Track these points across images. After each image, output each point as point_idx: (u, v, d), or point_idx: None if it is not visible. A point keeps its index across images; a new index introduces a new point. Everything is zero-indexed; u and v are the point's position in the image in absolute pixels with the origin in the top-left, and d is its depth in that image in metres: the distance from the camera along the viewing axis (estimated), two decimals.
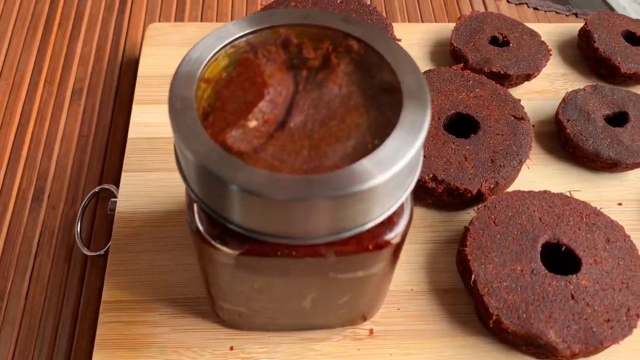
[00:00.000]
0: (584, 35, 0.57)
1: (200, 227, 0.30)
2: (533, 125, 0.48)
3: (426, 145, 0.45)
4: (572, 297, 0.38)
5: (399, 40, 0.55)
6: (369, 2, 0.66)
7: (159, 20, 0.63)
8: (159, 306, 0.40)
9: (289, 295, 0.34)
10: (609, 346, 0.38)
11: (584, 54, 0.57)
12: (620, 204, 0.47)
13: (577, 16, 0.68)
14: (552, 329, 0.37)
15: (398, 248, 0.31)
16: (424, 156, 0.44)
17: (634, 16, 0.70)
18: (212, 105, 0.28)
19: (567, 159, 0.50)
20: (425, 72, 0.50)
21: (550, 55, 0.54)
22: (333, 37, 0.30)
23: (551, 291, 0.38)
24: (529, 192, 0.43)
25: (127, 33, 0.62)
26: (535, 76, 0.54)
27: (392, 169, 0.25)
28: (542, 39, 0.56)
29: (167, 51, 0.55)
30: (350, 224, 0.27)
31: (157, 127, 0.49)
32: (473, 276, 0.39)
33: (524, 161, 0.45)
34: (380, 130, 0.27)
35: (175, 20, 0.64)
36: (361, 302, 0.37)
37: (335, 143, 0.27)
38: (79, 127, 0.55)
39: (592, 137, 0.48)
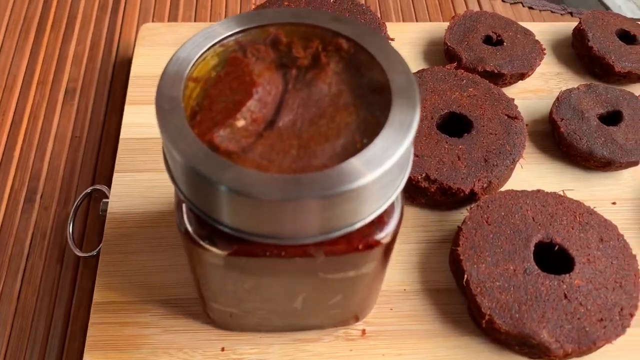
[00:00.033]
0: (578, 34, 0.56)
1: (189, 228, 0.29)
2: (527, 125, 0.48)
3: (419, 144, 0.45)
4: (565, 296, 0.38)
5: (392, 39, 0.55)
6: (362, 2, 0.66)
7: (153, 20, 0.63)
8: (150, 307, 0.40)
9: (279, 295, 0.34)
10: (602, 346, 0.38)
11: (578, 53, 0.57)
12: (614, 203, 0.47)
13: (572, 15, 0.68)
14: (544, 328, 0.37)
15: (389, 248, 0.31)
16: (417, 155, 0.44)
17: (629, 15, 0.70)
18: (200, 105, 0.28)
19: (561, 158, 0.50)
20: (418, 72, 0.50)
21: (544, 54, 0.54)
22: (323, 36, 0.30)
23: (544, 291, 0.38)
24: (522, 191, 0.43)
25: (120, 33, 0.62)
26: (529, 75, 0.54)
27: (381, 168, 0.25)
28: (536, 38, 0.56)
29: (160, 51, 0.55)
30: (340, 224, 0.27)
31: (150, 128, 0.49)
32: (465, 276, 0.39)
33: (517, 160, 0.45)
34: (369, 129, 0.27)
35: (168, 20, 0.63)
36: (353, 303, 0.37)
37: (324, 142, 0.27)
38: (72, 127, 0.54)
39: (586, 136, 0.48)
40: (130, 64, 0.55)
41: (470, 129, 0.46)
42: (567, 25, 0.60)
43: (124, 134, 0.49)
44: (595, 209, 0.43)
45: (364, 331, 0.40)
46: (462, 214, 0.46)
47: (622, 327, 0.38)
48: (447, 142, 0.45)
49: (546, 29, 0.59)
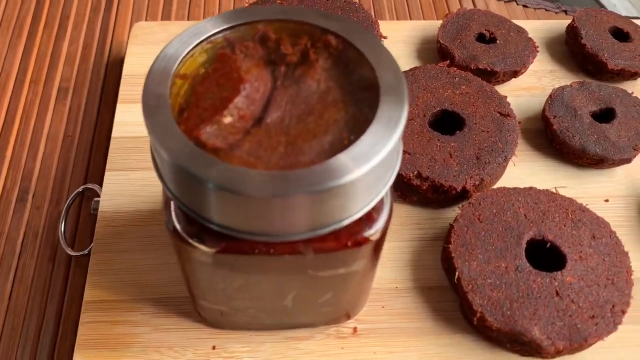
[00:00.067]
0: (572, 31, 0.56)
1: (178, 226, 0.29)
2: (519, 122, 0.48)
3: (411, 142, 0.45)
4: (557, 293, 0.38)
5: (385, 37, 0.55)
6: (355, 0, 0.66)
7: (146, 19, 0.63)
8: (140, 306, 0.40)
9: (269, 293, 0.34)
10: (593, 343, 0.38)
11: (572, 51, 0.57)
12: (607, 201, 0.47)
13: (566, 13, 0.68)
14: (536, 325, 0.37)
15: (378, 245, 0.31)
16: (409, 153, 0.44)
17: (624, 13, 0.70)
18: (187, 102, 0.27)
19: (554, 156, 0.50)
20: (411, 70, 0.50)
21: (537, 51, 0.54)
22: (311, 33, 0.30)
23: (536, 288, 0.38)
24: (514, 188, 0.43)
25: (113, 32, 0.62)
26: (522, 73, 0.54)
27: (368, 164, 0.25)
28: (530, 35, 0.56)
29: (153, 50, 0.55)
30: (328, 220, 0.27)
31: (141, 126, 0.48)
32: (457, 273, 0.39)
33: (510, 158, 0.45)
34: (357, 126, 0.27)
35: (161, 19, 0.63)
36: (344, 300, 0.37)
37: (312, 139, 0.26)
38: (64, 126, 0.54)
39: (579, 133, 0.48)
40: (123, 63, 0.55)
41: (463, 127, 0.46)
42: (561, 23, 0.60)
43: (115, 132, 0.49)
44: (587, 206, 0.43)
45: (355, 329, 0.39)
46: (455, 211, 0.45)
47: (614, 324, 0.38)
48: (439, 140, 0.45)
49: (539, 27, 0.59)
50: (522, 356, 0.39)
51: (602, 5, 0.72)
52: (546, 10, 0.68)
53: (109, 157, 0.47)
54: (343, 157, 0.25)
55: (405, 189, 0.45)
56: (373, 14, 0.66)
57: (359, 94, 0.28)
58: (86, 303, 0.40)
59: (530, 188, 0.43)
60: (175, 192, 0.27)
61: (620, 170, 0.49)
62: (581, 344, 0.37)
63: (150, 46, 0.55)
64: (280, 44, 0.30)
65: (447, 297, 0.41)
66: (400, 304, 0.41)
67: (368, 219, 0.29)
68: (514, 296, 0.38)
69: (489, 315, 0.37)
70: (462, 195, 0.44)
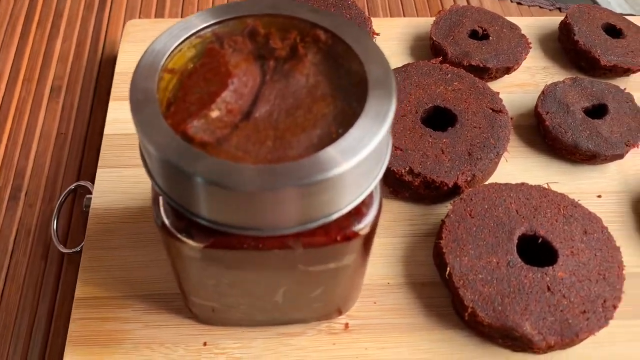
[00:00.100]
0: (564, 28, 0.56)
1: (166, 221, 0.29)
2: (511, 118, 0.48)
3: (403, 138, 0.45)
4: (549, 288, 0.38)
5: (378, 34, 0.55)
6: None
7: (139, 17, 0.63)
8: (132, 302, 0.40)
9: (260, 289, 0.34)
10: (585, 338, 0.38)
11: (565, 47, 0.57)
12: (599, 196, 0.47)
13: (560, 10, 0.68)
14: (527, 321, 0.37)
15: (368, 239, 0.31)
16: (401, 149, 0.44)
17: (618, 10, 0.70)
18: (175, 96, 0.27)
19: (547, 152, 0.50)
20: (403, 66, 0.50)
21: (530, 48, 0.54)
22: (300, 27, 0.30)
23: (527, 283, 0.38)
24: (506, 184, 0.43)
25: (106, 30, 0.62)
26: (515, 69, 0.54)
27: (356, 157, 0.25)
28: (523, 32, 0.56)
29: (145, 47, 0.55)
30: (317, 215, 0.27)
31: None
32: (448, 269, 0.39)
33: (502, 154, 0.45)
34: (346, 120, 0.27)
35: (155, 17, 0.63)
36: (335, 296, 0.37)
37: (300, 133, 0.26)
38: (57, 125, 0.54)
39: (571, 129, 0.48)
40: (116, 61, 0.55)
41: (455, 123, 0.46)
42: (554, 20, 0.60)
43: (108, 129, 0.49)
44: (580, 202, 0.43)
45: (347, 325, 0.39)
46: (447, 207, 0.45)
47: (605, 318, 0.38)
48: (431, 136, 0.45)
49: (532, 24, 0.59)
50: (513, 351, 0.39)
51: (595, 3, 0.72)
52: (540, 7, 0.68)
53: (101, 154, 0.47)
54: (331, 151, 0.25)
55: (397, 185, 0.45)
56: (367, 11, 0.66)
57: (347, 88, 0.28)
58: (77, 300, 0.40)
59: (522, 184, 0.43)
60: (163, 187, 0.27)
61: (613, 166, 0.49)
62: (572, 339, 0.37)
63: (143, 44, 0.55)
64: (269, 39, 0.30)
65: (439, 292, 0.41)
66: (392, 300, 0.41)
67: (357, 213, 0.29)
68: (505, 291, 0.38)
69: (480, 310, 0.37)
70: (454, 191, 0.44)
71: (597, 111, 0.50)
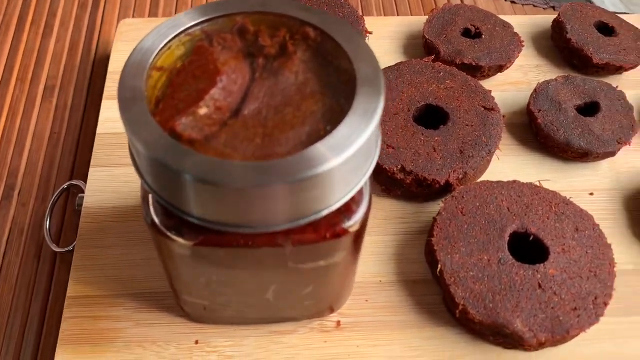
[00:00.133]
0: (557, 26, 0.57)
1: (156, 219, 0.29)
2: (503, 116, 0.48)
3: (395, 136, 0.45)
4: (539, 286, 0.38)
5: (370, 33, 0.55)
6: None
7: (133, 16, 0.63)
8: (123, 300, 0.40)
9: (250, 287, 0.34)
10: (575, 335, 0.38)
11: (557, 45, 0.57)
12: (591, 194, 0.47)
13: (554, 9, 0.68)
14: (518, 318, 0.37)
15: (358, 236, 0.31)
16: (392, 147, 0.44)
17: (611, 9, 0.70)
18: (163, 94, 0.27)
19: (539, 150, 0.50)
20: (396, 64, 0.50)
21: (523, 46, 0.54)
22: (290, 25, 0.30)
23: (518, 280, 0.38)
24: (498, 182, 0.43)
25: (100, 30, 0.62)
26: (507, 67, 0.54)
27: (344, 154, 0.25)
28: (515, 30, 0.56)
29: None
30: (306, 211, 0.27)
31: None
32: (439, 266, 0.39)
33: (493, 151, 0.45)
34: (334, 117, 0.27)
35: (149, 16, 0.63)
36: (326, 293, 0.37)
37: (289, 130, 0.27)
38: (51, 124, 0.54)
39: (563, 127, 0.48)
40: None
41: (447, 121, 0.46)
42: (547, 18, 0.60)
43: (100, 128, 0.49)
44: (571, 199, 0.43)
45: (338, 322, 0.39)
46: (439, 205, 0.45)
47: (596, 315, 0.38)
48: (423, 134, 0.45)
49: (525, 22, 0.60)
50: (504, 349, 0.39)
51: (589, 1, 0.72)
52: (534, 6, 0.68)
53: (93, 153, 0.47)
54: (319, 147, 0.25)
55: (389, 183, 0.45)
56: (360, 10, 0.66)
57: (336, 85, 0.28)
58: (69, 298, 0.40)
59: (514, 181, 0.43)
60: (151, 184, 0.27)
61: (605, 164, 0.49)
62: (563, 336, 0.37)
63: (136, 43, 0.55)
64: (258, 36, 0.30)
65: (431, 290, 0.41)
66: (383, 298, 0.41)
67: (347, 210, 0.29)
68: (496, 288, 0.38)
69: (471, 307, 0.37)
70: (446, 189, 0.44)
71: (589, 109, 0.50)
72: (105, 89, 0.52)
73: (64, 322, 0.39)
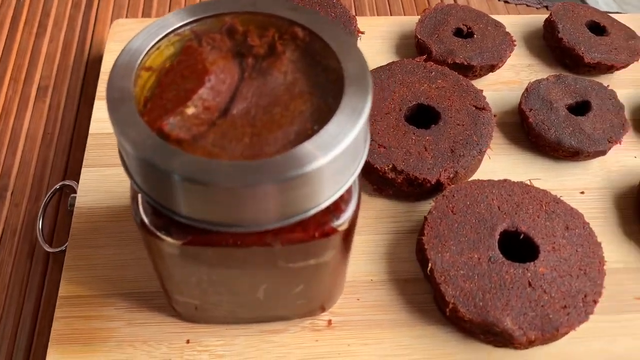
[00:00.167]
0: (549, 25, 0.57)
1: (145, 219, 0.29)
2: (495, 115, 0.48)
3: (386, 136, 0.45)
4: (530, 284, 0.38)
5: (362, 33, 0.55)
6: None
7: (127, 17, 0.63)
8: (115, 300, 0.40)
9: (241, 286, 0.34)
10: (565, 332, 0.38)
11: (549, 45, 0.57)
12: (582, 193, 0.48)
13: (547, 9, 0.68)
14: (508, 316, 0.37)
15: (347, 235, 0.31)
16: (384, 147, 0.44)
17: (604, 8, 0.70)
18: (152, 94, 0.28)
19: (531, 149, 0.50)
20: (388, 64, 0.50)
21: (515, 45, 0.54)
22: (278, 25, 0.30)
23: (508, 279, 0.38)
24: (488, 181, 0.43)
25: (93, 30, 0.62)
26: (499, 67, 0.54)
27: (332, 152, 0.25)
28: (507, 30, 0.56)
29: None
30: (294, 211, 0.27)
31: None
32: (430, 265, 0.39)
33: (485, 151, 0.45)
34: (322, 116, 0.27)
35: (142, 17, 0.63)
36: (317, 292, 0.37)
37: (277, 130, 0.27)
38: (44, 124, 0.54)
39: (554, 126, 0.48)
40: None
41: (438, 121, 0.46)
42: (538, 18, 0.60)
43: (93, 129, 0.49)
44: (562, 198, 0.43)
45: (330, 321, 0.40)
46: (430, 204, 0.45)
47: (586, 313, 0.38)
48: (414, 134, 0.45)
49: (517, 22, 0.60)
50: (495, 347, 0.39)
51: (583, 1, 0.72)
52: (527, 5, 0.68)
53: (85, 154, 0.47)
54: (307, 146, 0.25)
55: (381, 183, 0.45)
56: (354, 10, 0.66)
57: (325, 85, 0.28)
58: (61, 298, 0.40)
59: (505, 180, 0.43)
60: (140, 184, 0.27)
61: (596, 163, 0.49)
62: (553, 334, 0.37)
63: None
64: (247, 36, 0.30)
65: (422, 289, 0.41)
66: (375, 297, 0.41)
67: (336, 209, 0.30)
68: (486, 287, 0.38)
69: (462, 306, 0.37)
70: (437, 188, 0.44)
71: (581, 108, 0.50)
72: (98, 89, 0.52)
73: (55, 322, 0.39)
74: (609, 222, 0.46)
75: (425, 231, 0.40)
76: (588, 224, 0.42)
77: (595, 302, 0.38)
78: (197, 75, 0.28)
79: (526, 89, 0.50)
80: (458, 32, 0.55)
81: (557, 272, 0.39)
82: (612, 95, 0.51)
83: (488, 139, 0.45)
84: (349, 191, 0.30)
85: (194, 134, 0.26)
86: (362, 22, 0.57)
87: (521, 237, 0.41)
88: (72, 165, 0.51)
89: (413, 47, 0.57)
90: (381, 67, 0.50)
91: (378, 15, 0.65)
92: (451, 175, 0.43)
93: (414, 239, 0.44)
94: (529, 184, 0.44)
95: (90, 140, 0.48)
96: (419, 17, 0.57)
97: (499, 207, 0.42)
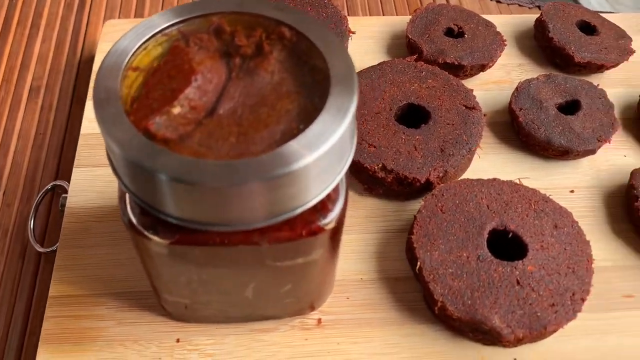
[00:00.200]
0: (539, 25, 0.57)
1: (133, 219, 0.30)
2: (485, 115, 0.48)
3: (377, 135, 0.45)
4: (518, 282, 0.39)
5: (353, 33, 0.55)
6: None
7: (119, 17, 0.63)
8: (106, 300, 0.40)
9: (229, 285, 0.34)
10: (553, 331, 0.38)
11: (540, 44, 0.58)
12: (572, 191, 0.48)
13: (539, 8, 0.68)
14: (496, 314, 0.37)
15: (334, 234, 0.32)
16: (374, 146, 0.44)
17: (597, 8, 0.70)
18: (138, 94, 0.28)
19: (521, 148, 0.50)
20: (379, 64, 0.50)
21: (505, 45, 0.55)
22: (266, 25, 0.30)
23: (497, 277, 0.39)
24: (478, 180, 0.43)
25: (86, 31, 0.62)
26: (490, 66, 0.54)
27: (317, 151, 0.25)
28: (498, 29, 0.56)
29: None
30: (281, 209, 0.27)
31: None
32: (419, 263, 0.39)
33: (474, 150, 0.46)
34: (309, 116, 0.27)
35: (135, 17, 0.63)
36: (306, 291, 0.37)
37: (263, 129, 0.27)
38: (36, 125, 0.54)
39: (544, 125, 0.48)
40: None
41: (428, 120, 0.46)
42: (529, 17, 0.61)
43: (84, 129, 0.49)
44: (551, 197, 0.44)
45: (319, 320, 0.40)
46: (420, 203, 0.46)
47: (574, 311, 0.38)
48: (404, 133, 0.45)
49: (508, 21, 0.60)
50: (484, 345, 0.39)
51: (576, 1, 0.72)
52: (520, 5, 0.69)
53: (77, 154, 0.47)
54: (292, 145, 0.25)
55: (371, 182, 0.45)
56: (346, 10, 0.66)
57: (311, 84, 0.28)
58: (51, 298, 0.40)
59: (494, 179, 0.44)
60: (127, 183, 0.28)
61: (586, 162, 0.50)
62: (541, 332, 0.37)
63: None
64: (234, 36, 0.30)
65: (412, 287, 0.42)
66: (364, 295, 0.41)
67: (323, 208, 0.30)
68: (474, 285, 0.38)
69: (450, 304, 0.38)
70: (427, 187, 0.44)
71: (571, 107, 0.51)
72: (90, 89, 0.52)
73: (45, 321, 0.39)
74: (598, 220, 0.46)
75: (415, 230, 0.41)
76: (577, 222, 0.42)
77: (583, 300, 0.38)
78: (183, 75, 0.28)
79: (516, 89, 0.51)
80: (449, 32, 0.56)
81: (546, 270, 0.39)
82: (602, 94, 0.51)
83: (478, 138, 0.46)
84: (336, 190, 0.30)
85: (181, 133, 0.26)
86: (353, 22, 0.57)
87: (510, 235, 0.41)
88: (63, 166, 0.51)
89: (404, 47, 0.57)
90: (372, 66, 0.50)
91: (370, 15, 0.65)
92: (441, 175, 0.44)
93: (404, 237, 0.44)
94: (518, 182, 0.44)
95: (81, 141, 0.48)
96: (410, 17, 0.57)
97: (488, 206, 0.42)
